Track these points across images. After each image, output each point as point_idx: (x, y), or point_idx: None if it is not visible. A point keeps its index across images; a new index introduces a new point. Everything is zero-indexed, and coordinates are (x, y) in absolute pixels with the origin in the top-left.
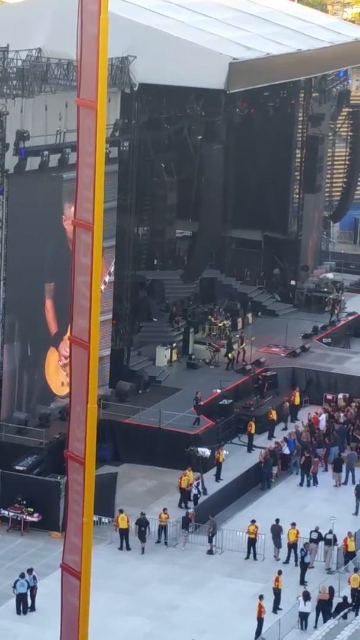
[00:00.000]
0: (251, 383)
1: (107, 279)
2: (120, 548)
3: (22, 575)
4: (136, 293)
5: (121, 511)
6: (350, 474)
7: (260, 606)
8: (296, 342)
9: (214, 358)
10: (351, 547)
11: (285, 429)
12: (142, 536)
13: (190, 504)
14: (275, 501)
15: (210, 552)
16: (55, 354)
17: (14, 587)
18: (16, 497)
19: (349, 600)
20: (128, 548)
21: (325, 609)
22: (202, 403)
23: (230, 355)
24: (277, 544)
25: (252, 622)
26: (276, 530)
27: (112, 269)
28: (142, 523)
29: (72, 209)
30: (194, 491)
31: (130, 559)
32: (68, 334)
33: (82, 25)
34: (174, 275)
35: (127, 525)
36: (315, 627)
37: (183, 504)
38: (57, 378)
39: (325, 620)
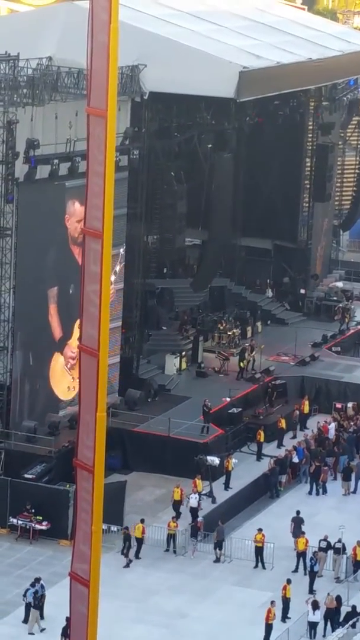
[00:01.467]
0: (260, 391)
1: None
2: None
3: (32, 585)
4: (146, 301)
5: (142, 521)
6: (359, 483)
7: (269, 611)
8: (305, 351)
9: (224, 366)
10: None
11: (294, 437)
12: (126, 551)
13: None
14: (284, 510)
15: (217, 560)
16: (61, 359)
17: (24, 595)
18: (25, 506)
19: (358, 608)
20: (137, 557)
21: (332, 617)
22: (210, 411)
23: (242, 363)
24: (298, 534)
25: (260, 631)
26: (297, 522)
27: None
28: (126, 538)
29: (75, 207)
30: (193, 503)
31: (139, 567)
32: (75, 339)
33: (93, 33)
34: (183, 283)
35: (141, 535)
36: (324, 636)
37: (176, 518)
38: (63, 383)
39: (333, 629)
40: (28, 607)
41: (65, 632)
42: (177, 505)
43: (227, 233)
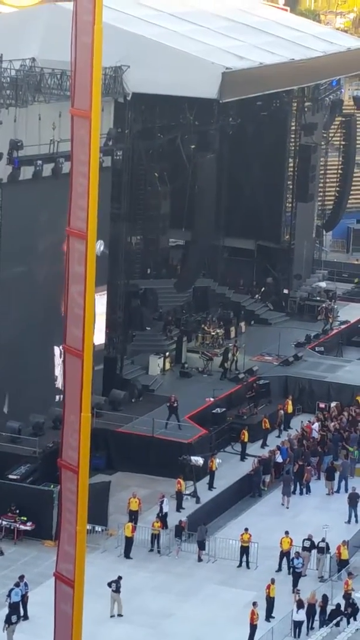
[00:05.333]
0: (244, 392)
1: None
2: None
3: (16, 584)
4: (129, 302)
5: (131, 520)
6: (343, 482)
7: (253, 612)
8: (289, 351)
9: (207, 367)
10: (344, 555)
11: (279, 436)
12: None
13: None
14: (268, 509)
15: (199, 559)
16: None
17: (8, 596)
18: (9, 506)
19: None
20: (128, 556)
21: (314, 613)
22: (169, 404)
23: (225, 364)
24: (288, 493)
25: (245, 630)
26: (287, 481)
27: None
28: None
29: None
30: (165, 509)
31: (124, 567)
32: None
33: (76, 34)
34: (167, 284)
35: (131, 534)
36: (307, 633)
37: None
38: None
39: (318, 625)
40: (12, 606)
41: (9, 620)
42: (133, 514)
43: (211, 233)
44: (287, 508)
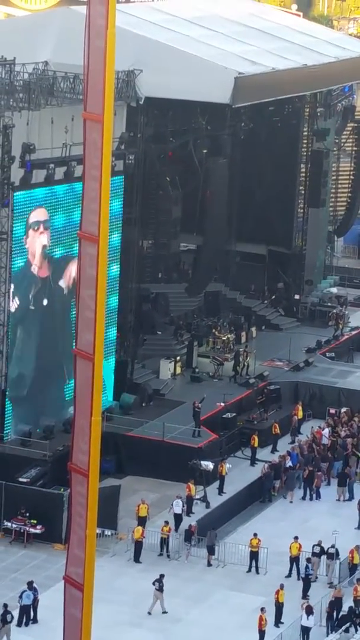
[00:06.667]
0: (254, 397)
1: None
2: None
3: (29, 587)
4: (140, 306)
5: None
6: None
7: (261, 618)
8: (300, 356)
9: (218, 371)
10: (357, 559)
11: (292, 442)
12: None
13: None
14: (278, 515)
15: (208, 564)
16: None
17: (20, 597)
18: (19, 509)
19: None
20: (137, 560)
21: (340, 606)
22: (200, 412)
23: (237, 368)
24: (291, 487)
25: (253, 636)
26: (292, 476)
27: None
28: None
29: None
30: (177, 510)
31: (133, 571)
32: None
33: (90, 38)
34: (178, 288)
35: (141, 538)
36: (336, 625)
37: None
38: None
39: (326, 631)
40: (22, 610)
41: (4, 620)
42: (142, 520)
43: (222, 238)
44: (291, 502)
